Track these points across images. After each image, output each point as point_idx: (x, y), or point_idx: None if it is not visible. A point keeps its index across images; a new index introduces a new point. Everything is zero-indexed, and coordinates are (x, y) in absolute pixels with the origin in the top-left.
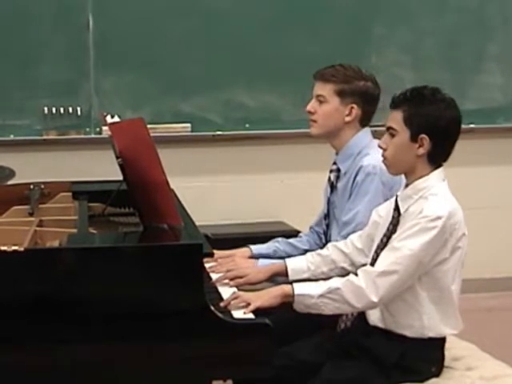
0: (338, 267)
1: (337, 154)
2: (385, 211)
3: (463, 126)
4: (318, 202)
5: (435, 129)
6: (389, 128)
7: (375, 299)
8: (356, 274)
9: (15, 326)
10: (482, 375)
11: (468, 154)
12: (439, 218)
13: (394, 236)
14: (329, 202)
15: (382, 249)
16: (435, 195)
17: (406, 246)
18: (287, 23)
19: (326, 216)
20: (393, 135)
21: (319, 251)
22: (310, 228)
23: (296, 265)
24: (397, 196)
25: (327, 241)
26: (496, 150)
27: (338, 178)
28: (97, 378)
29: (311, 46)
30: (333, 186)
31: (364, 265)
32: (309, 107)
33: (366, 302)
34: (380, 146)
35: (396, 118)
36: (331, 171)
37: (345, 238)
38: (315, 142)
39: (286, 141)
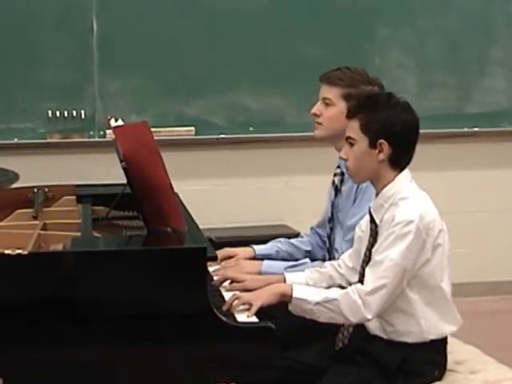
0: (336, 284)
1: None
2: (365, 225)
3: (467, 130)
4: (322, 205)
5: (392, 133)
6: (347, 138)
7: (369, 316)
8: (351, 288)
9: (19, 329)
10: (485, 379)
11: (472, 157)
12: (411, 221)
13: (373, 249)
14: (333, 205)
15: (366, 262)
16: (405, 199)
17: (387, 257)
18: (291, 26)
19: (330, 219)
20: (352, 144)
21: (318, 268)
22: (311, 229)
23: (295, 279)
24: (370, 207)
25: (331, 244)
26: (500, 154)
27: (342, 181)
28: (100, 381)
29: (315, 49)
30: (337, 190)
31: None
32: (314, 110)
33: (360, 318)
34: (341, 157)
35: (353, 127)
36: (335, 175)
37: (349, 242)
38: (319, 145)
39: (290, 144)
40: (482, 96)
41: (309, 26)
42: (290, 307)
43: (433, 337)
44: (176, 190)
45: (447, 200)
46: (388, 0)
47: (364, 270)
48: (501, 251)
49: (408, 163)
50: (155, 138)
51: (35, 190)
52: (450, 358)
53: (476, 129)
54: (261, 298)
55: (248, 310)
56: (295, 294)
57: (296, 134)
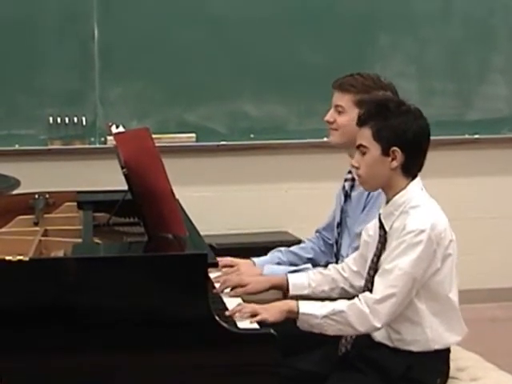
0: (339, 287)
1: None
2: (373, 230)
3: (468, 137)
4: (322, 212)
5: (405, 140)
6: (359, 146)
7: (378, 325)
8: (358, 298)
9: (20, 334)
10: None
11: (473, 164)
12: (423, 231)
13: (383, 256)
14: (342, 210)
15: (374, 270)
16: (416, 207)
17: (397, 266)
18: (293, 33)
19: (339, 224)
20: (364, 153)
21: (321, 270)
22: (317, 231)
23: (297, 280)
24: (380, 214)
25: (338, 250)
26: (500, 160)
27: (352, 187)
28: None
29: (316, 57)
30: (347, 195)
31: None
32: (327, 117)
33: (369, 327)
34: (353, 165)
35: (365, 135)
36: (346, 180)
37: (356, 249)
38: (320, 153)
39: (291, 151)
40: (483, 103)
41: (310, 34)
42: (298, 323)
43: (437, 346)
44: (177, 196)
45: (448, 207)
46: (389, 8)
47: (371, 277)
48: (502, 258)
49: (419, 170)
50: (156, 144)
51: (36, 196)
52: (451, 364)
53: (477, 136)
54: (267, 313)
55: (251, 317)
56: (302, 310)
57: (297, 141)
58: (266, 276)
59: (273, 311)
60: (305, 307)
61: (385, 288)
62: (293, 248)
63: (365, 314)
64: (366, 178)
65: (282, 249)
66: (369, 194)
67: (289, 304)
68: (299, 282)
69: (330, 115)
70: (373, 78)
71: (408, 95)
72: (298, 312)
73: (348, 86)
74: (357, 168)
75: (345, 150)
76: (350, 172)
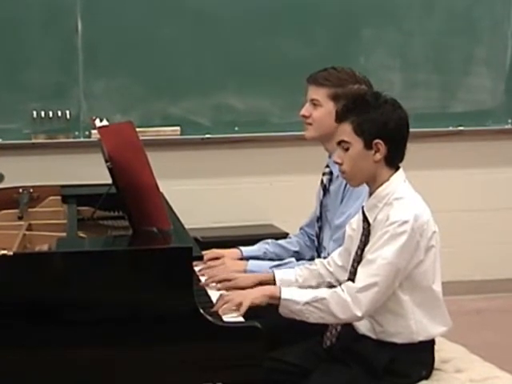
0: (325, 281)
1: (329, 156)
2: (356, 224)
3: (452, 129)
4: (307, 205)
5: (387, 131)
6: (340, 142)
7: (359, 313)
8: (340, 287)
9: (3, 330)
10: (470, 377)
11: (457, 156)
12: (406, 222)
13: (366, 248)
14: (321, 204)
15: (357, 262)
16: (399, 199)
17: (380, 255)
18: (277, 26)
19: (319, 219)
20: (346, 148)
21: (307, 265)
22: (300, 229)
23: (284, 276)
24: (363, 207)
25: (319, 243)
26: (484, 153)
27: (330, 180)
28: (87, 381)
29: (300, 49)
30: (325, 189)
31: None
32: (303, 111)
33: (351, 316)
34: (336, 162)
35: (346, 131)
36: (324, 174)
37: (336, 241)
38: (304, 145)
39: (275, 144)
40: (467, 95)
41: (294, 27)
42: (280, 309)
43: (422, 338)
44: (162, 189)
45: (432, 199)
46: (372, 1)
47: (355, 268)
48: (486, 250)
49: (401, 161)
50: (141, 137)
51: (20, 190)
52: (436, 356)
53: (461, 128)
54: (250, 296)
55: (236, 309)
56: (283, 295)
57: (281, 134)
58: (254, 273)
59: (256, 294)
60: (287, 293)
61: (367, 277)
62: (280, 241)
63: (346, 303)
64: (350, 173)
65: (269, 241)
66: (345, 185)
67: (271, 289)
68: (286, 277)
69: (306, 109)
70: (347, 71)
71: (392, 88)
72: (279, 297)
73: (323, 79)
74: (340, 164)
75: (321, 143)
76: (327, 166)
